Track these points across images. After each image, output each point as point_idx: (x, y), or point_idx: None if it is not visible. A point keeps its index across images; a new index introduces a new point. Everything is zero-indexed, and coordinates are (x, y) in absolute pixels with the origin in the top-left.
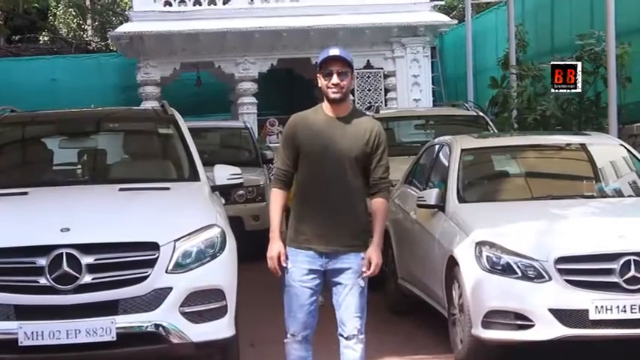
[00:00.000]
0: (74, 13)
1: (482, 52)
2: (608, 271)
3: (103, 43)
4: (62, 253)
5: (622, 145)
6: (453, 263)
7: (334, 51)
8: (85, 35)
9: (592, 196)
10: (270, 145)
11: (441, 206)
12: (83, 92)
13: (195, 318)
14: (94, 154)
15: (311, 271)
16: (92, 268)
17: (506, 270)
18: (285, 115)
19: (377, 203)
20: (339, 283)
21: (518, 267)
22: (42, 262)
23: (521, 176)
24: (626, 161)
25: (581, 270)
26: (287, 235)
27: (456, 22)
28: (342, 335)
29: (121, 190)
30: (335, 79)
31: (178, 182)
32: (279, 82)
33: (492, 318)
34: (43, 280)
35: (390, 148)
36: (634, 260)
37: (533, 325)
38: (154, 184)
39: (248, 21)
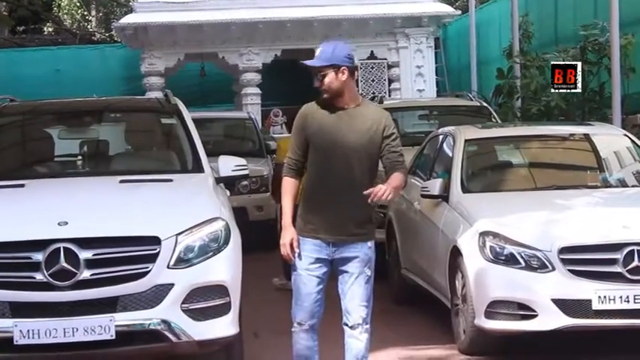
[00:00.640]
0: (78, 4)
1: (486, 43)
2: (612, 261)
3: (107, 34)
4: (59, 248)
5: (626, 135)
6: (456, 253)
7: (316, 54)
8: (89, 26)
9: (596, 187)
10: (274, 135)
11: (444, 196)
12: (87, 83)
13: (198, 315)
14: (95, 144)
15: (318, 260)
16: (91, 264)
17: (510, 260)
18: (288, 106)
19: (396, 173)
20: (345, 272)
21: (522, 257)
22: (38, 257)
23: (524, 166)
24: (629, 151)
25: (585, 260)
26: (296, 224)
27: (459, 12)
28: (346, 324)
29: (122, 182)
30: (316, 82)
31: (181, 174)
32: (283, 73)
33: (495, 308)
34: (39, 276)
35: None
36: (637, 250)
37: (536, 316)
38: (156, 176)
39: (252, 12)
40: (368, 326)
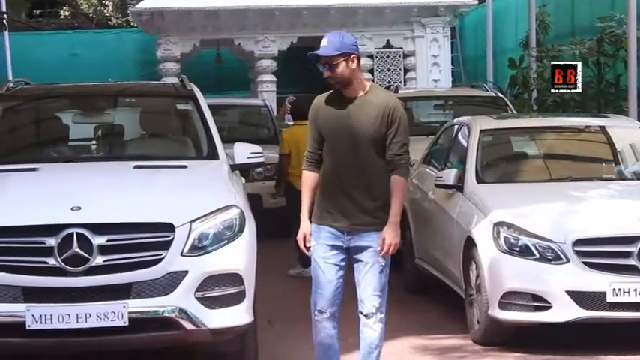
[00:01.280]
0: None
1: (502, 33)
2: (626, 254)
3: (123, 19)
4: (72, 233)
5: None
6: (470, 244)
7: (322, 44)
8: (105, 11)
9: (611, 179)
10: (289, 123)
11: (459, 187)
12: (103, 68)
13: (212, 303)
14: (110, 129)
15: (334, 247)
16: (104, 249)
17: (524, 251)
18: (304, 94)
19: (393, 181)
20: (360, 261)
21: (536, 248)
22: (51, 242)
23: (539, 158)
24: None
25: (599, 252)
26: (313, 213)
27: (476, 2)
28: (361, 312)
29: (136, 167)
30: (326, 72)
31: (196, 160)
32: (299, 61)
33: (509, 299)
34: (52, 261)
35: (409, 127)
36: None
37: (550, 307)
38: (171, 162)
39: None
40: (382, 315)
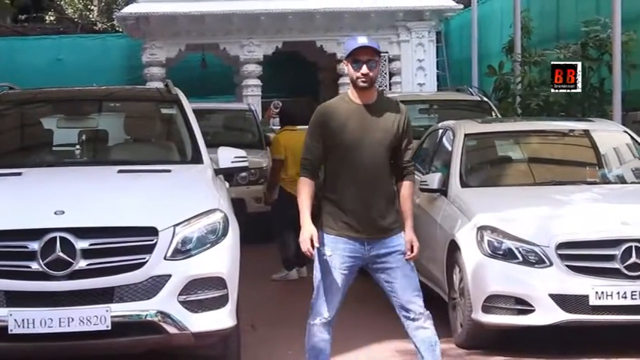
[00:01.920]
0: None
1: (488, 38)
2: (610, 258)
3: (108, 24)
4: (56, 237)
5: (625, 131)
6: (454, 247)
7: (363, 40)
8: (91, 15)
9: (595, 183)
10: (274, 127)
11: (443, 190)
12: (89, 72)
13: (195, 307)
14: (94, 134)
15: (351, 258)
16: (87, 254)
17: (508, 255)
18: (289, 98)
19: (406, 186)
20: (389, 268)
21: (520, 252)
22: (34, 246)
23: (524, 162)
24: (629, 148)
25: (583, 256)
26: (322, 222)
27: (461, 6)
28: (408, 318)
29: (120, 172)
30: (364, 69)
31: (180, 165)
32: (284, 65)
33: (493, 302)
34: (35, 265)
35: None
36: (635, 247)
37: (533, 310)
38: (155, 167)
39: (254, 3)
40: (428, 312)
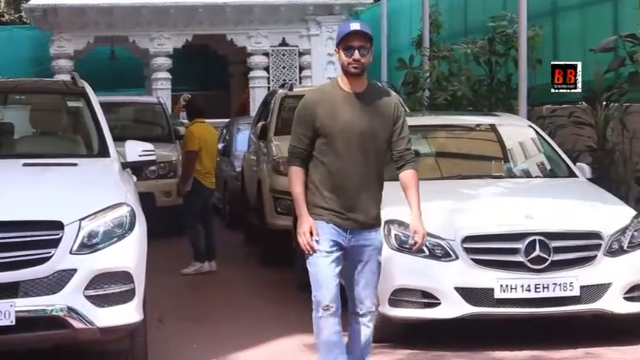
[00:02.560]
0: None
1: (397, 32)
2: (514, 251)
3: (16, 15)
4: None
5: (531, 126)
6: None
7: (355, 25)
8: None
9: (500, 177)
10: (183, 121)
11: None
12: None
13: (101, 302)
14: None
15: (336, 243)
16: None
17: None
18: (199, 91)
19: (408, 175)
20: (359, 260)
21: (426, 246)
22: None
23: (431, 156)
24: (534, 142)
25: (488, 249)
26: (308, 208)
27: (371, 0)
28: (357, 313)
29: (25, 165)
30: (356, 54)
31: (87, 158)
32: (195, 58)
33: (399, 296)
34: None
35: None
36: (539, 240)
37: (439, 304)
38: (61, 160)
39: None
40: (376, 312)
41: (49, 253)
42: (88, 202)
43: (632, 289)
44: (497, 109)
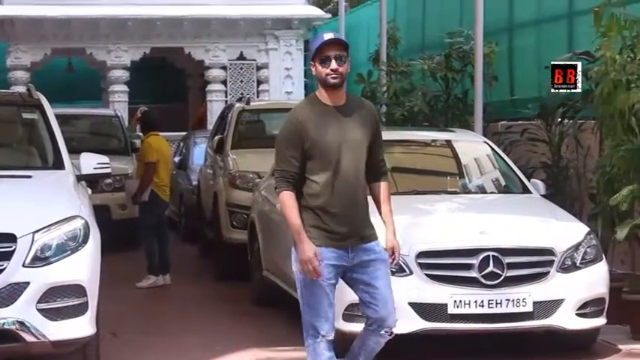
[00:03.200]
0: None
1: (355, 47)
2: (468, 266)
3: None
4: None
5: (486, 142)
6: None
7: (329, 35)
8: None
9: (455, 192)
10: (140, 133)
11: None
12: None
13: (54, 315)
14: None
15: (337, 267)
16: None
17: None
18: (156, 104)
19: (383, 187)
20: (373, 276)
21: None
22: None
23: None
24: (489, 158)
25: (442, 265)
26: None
27: (329, 15)
28: (376, 330)
29: None
30: (334, 64)
31: (41, 170)
32: (152, 71)
33: (353, 311)
34: None
35: (260, 140)
36: (493, 256)
37: None
38: (15, 172)
39: (121, 8)
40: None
41: (2, 265)
42: (41, 214)
43: (584, 305)
44: (453, 125)
